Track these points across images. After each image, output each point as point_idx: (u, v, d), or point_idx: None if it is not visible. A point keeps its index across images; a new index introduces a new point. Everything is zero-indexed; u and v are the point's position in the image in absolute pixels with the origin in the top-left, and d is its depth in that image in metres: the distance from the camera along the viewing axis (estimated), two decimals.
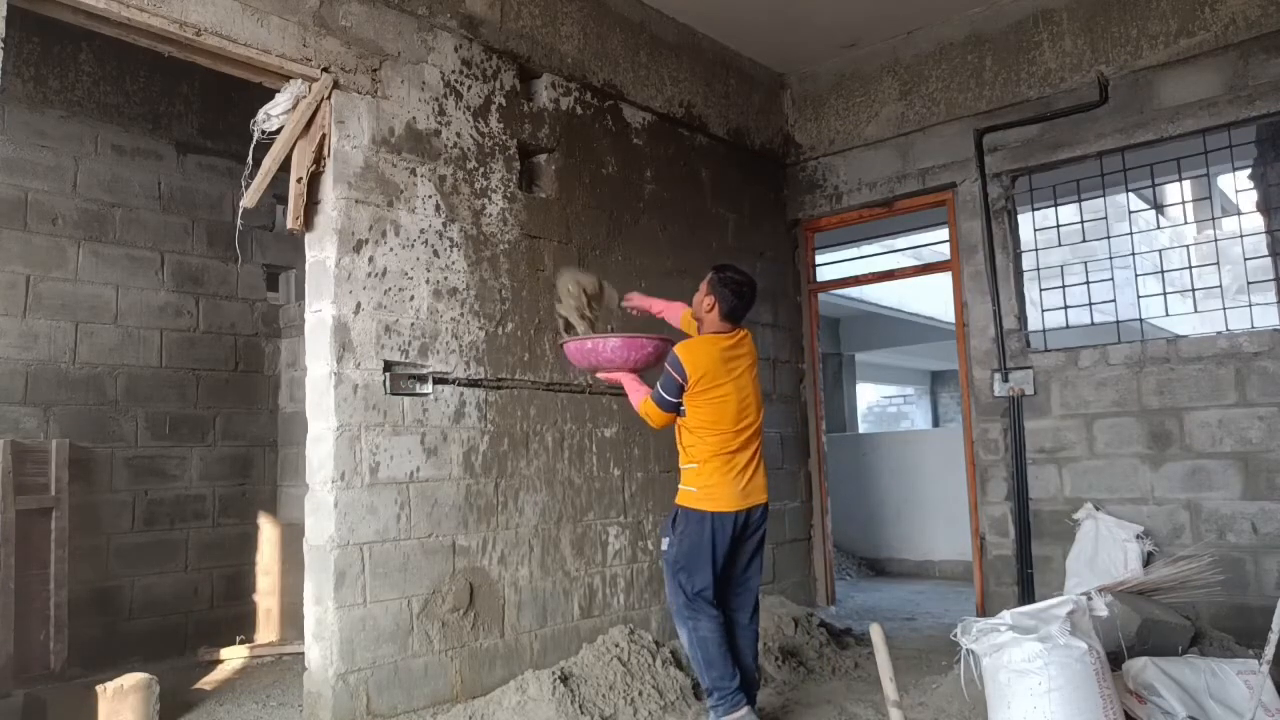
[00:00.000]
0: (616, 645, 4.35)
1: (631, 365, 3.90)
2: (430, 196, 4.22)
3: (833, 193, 6.45)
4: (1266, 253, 5.47)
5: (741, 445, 3.72)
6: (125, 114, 5.43)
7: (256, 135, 3.89)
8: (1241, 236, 5.24)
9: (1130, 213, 7.40)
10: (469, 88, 4.47)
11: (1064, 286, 5.44)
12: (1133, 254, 5.39)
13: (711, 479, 3.67)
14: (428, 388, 4.11)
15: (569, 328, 4.33)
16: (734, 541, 3.71)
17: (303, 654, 3.85)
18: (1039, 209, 6.09)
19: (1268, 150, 5.88)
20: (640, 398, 3.82)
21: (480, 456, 4.28)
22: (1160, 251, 5.47)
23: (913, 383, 21.38)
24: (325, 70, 3.87)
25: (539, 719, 3.78)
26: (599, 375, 4.04)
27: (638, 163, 5.41)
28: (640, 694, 4.07)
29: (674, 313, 4.19)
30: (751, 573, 3.84)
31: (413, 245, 4.12)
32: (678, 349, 3.69)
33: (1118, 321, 5.40)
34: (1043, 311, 5.64)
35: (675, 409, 3.70)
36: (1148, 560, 4.84)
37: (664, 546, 3.80)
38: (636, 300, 4.36)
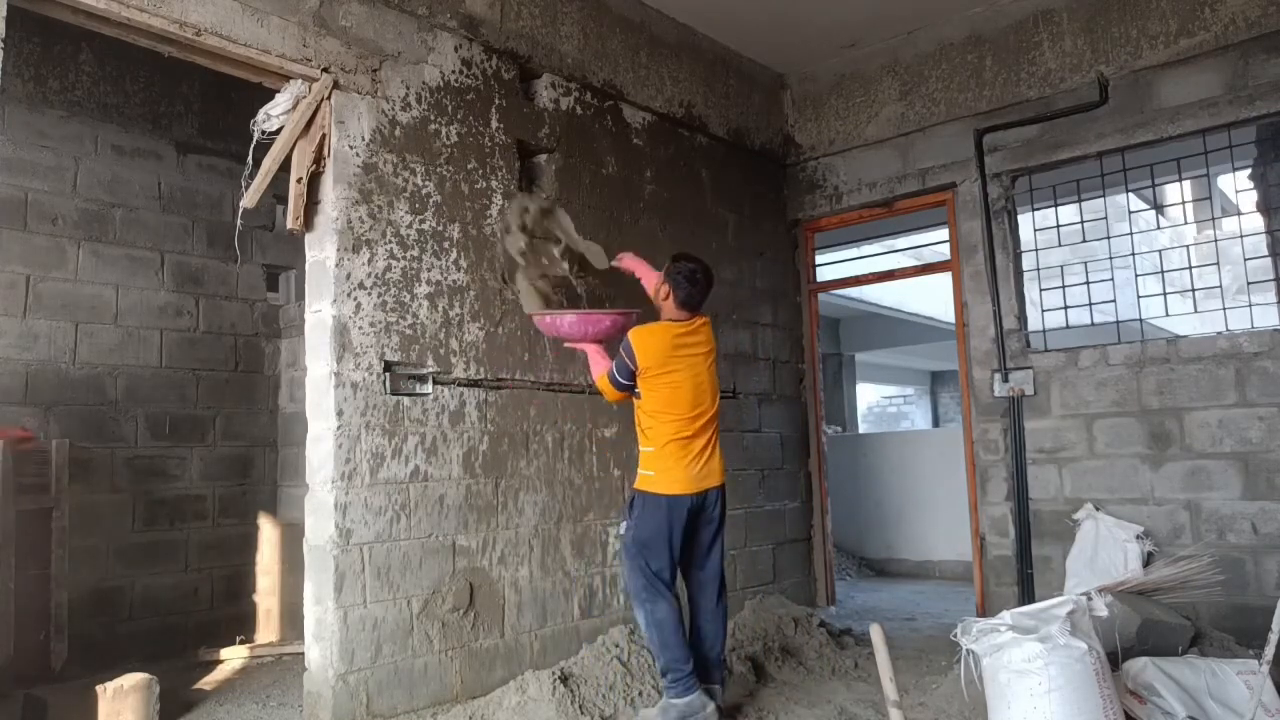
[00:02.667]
0: (616, 645, 4.35)
1: (593, 338, 4.11)
2: (430, 197, 4.22)
3: (833, 193, 6.45)
4: (1266, 253, 5.47)
5: (697, 431, 3.85)
6: (125, 114, 5.43)
7: (256, 135, 3.89)
8: (1241, 237, 5.24)
9: (1130, 213, 7.40)
10: (469, 88, 4.47)
11: (1064, 287, 5.44)
12: (1133, 254, 5.39)
13: (667, 462, 3.79)
14: (428, 388, 4.11)
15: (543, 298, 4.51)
16: (690, 524, 3.83)
17: (303, 654, 3.85)
18: (1039, 209, 6.09)
19: (1267, 150, 5.88)
20: (600, 370, 4.02)
21: (480, 457, 4.28)
22: (1160, 252, 5.47)
23: (913, 383, 21.40)
24: (325, 70, 3.87)
25: (539, 719, 3.78)
26: (565, 345, 4.31)
27: (638, 163, 5.41)
28: (640, 694, 4.07)
29: (649, 282, 4.26)
30: (713, 556, 3.97)
31: (413, 245, 4.12)
32: (631, 334, 3.84)
33: (1118, 322, 5.40)
34: (1043, 312, 5.64)
35: (629, 389, 3.88)
36: (1148, 560, 4.84)
37: (621, 530, 3.96)
38: (628, 261, 4.49)
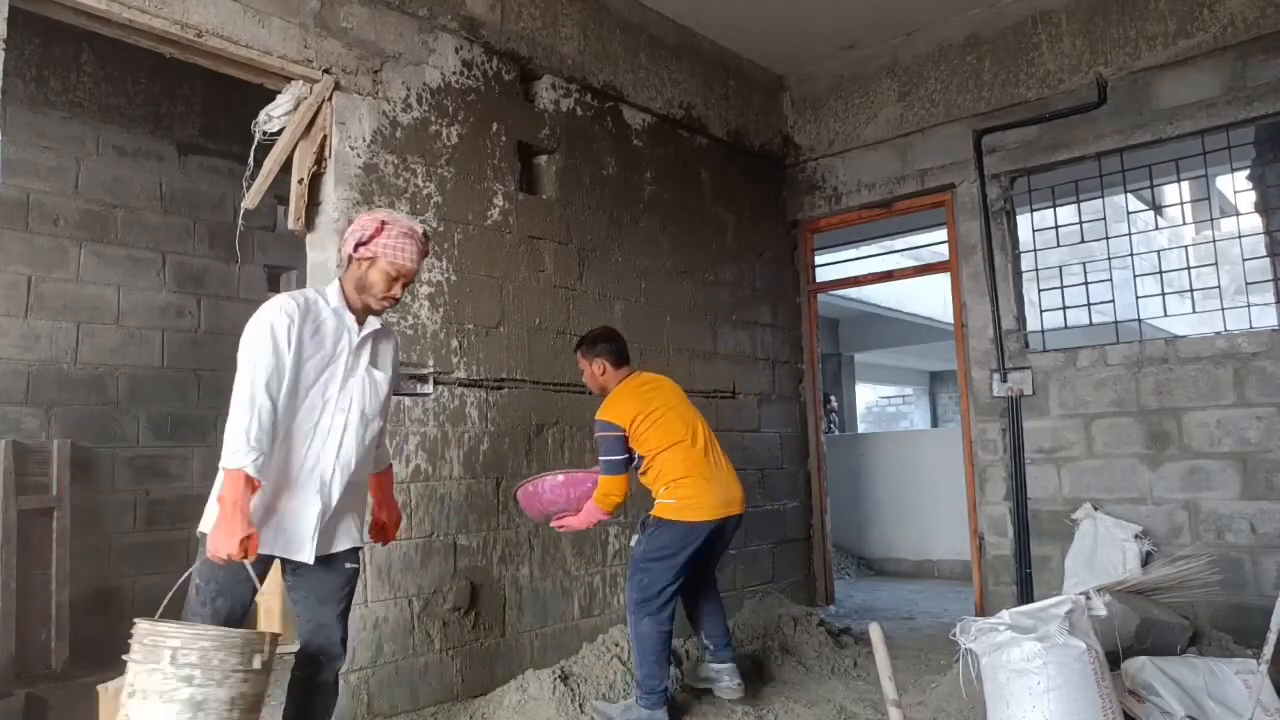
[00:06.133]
0: (616, 644, 4.36)
1: (576, 503, 3.85)
2: (431, 197, 4.23)
3: (832, 193, 6.47)
4: (1265, 253, 5.48)
5: (705, 449, 3.85)
6: (127, 115, 5.44)
7: (258, 136, 3.90)
8: (1240, 237, 5.25)
9: (1129, 213, 7.39)
10: (470, 89, 4.48)
11: (1062, 287, 5.45)
12: (1131, 254, 5.40)
13: (686, 490, 3.73)
14: (428, 388, 4.12)
15: None
16: (703, 550, 3.80)
17: None
18: (1038, 210, 6.10)
19: (1266, 151, 5.89)
20: (593, 504, 3.78)
21: (481, 456, 4.29)
22: (1159, 252, 5.48)
23: (912, 383, 21.39)
24: (326, 71, 3.89)
25: (539, 718, 3.79)
26: (553, 524, 3.94)
27: (638, 164, 5.42)
28: None
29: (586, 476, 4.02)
30: (711, 569, 4.05)
31: None
32: (597, 415, 3.81)
33: (1116, 322, 5.41)
34: (1041, 312, 5.65)
35: (627, 465, 3.77)
36: (1146, 560, 4.85)
37: (632, 543, 3.93)
38: (565, 523, 3.98)
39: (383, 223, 2.74)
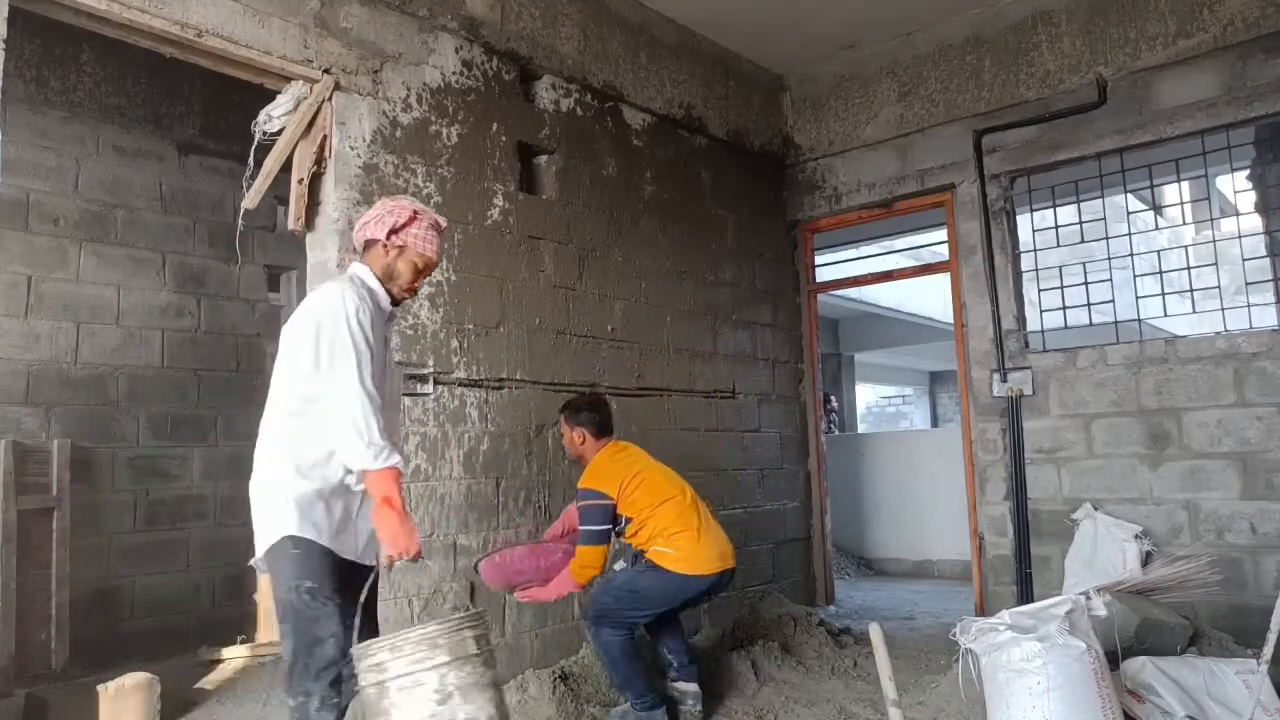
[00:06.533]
0: None
1: (544, 575, 3.78)
2: (431, 197, 4.23)
3: (832, 194, 6.47)
4: (1265, 253, 5.48)
5: (694, 503, 3.82)
6: (127, 115, 5.45)
7: (258, 136, 3.90)
8: (1240, 237, 5.25)
9: (1129, 213, 7.39)
10: (470, 89, 4.48)
11: (1062, 287, 5.45)
12: (1131, 255, 5.40)
13: (687, 543, 3.69)
14: (428, 388, 4.12)
15: None
16: (693, 600, 3.83)
17: None
18: (1038, 210, 6.10)
19: (1266, 151, 5.89)
20: (567, 574, 3.70)
21: (481, 456, 4.29)
22: (1159, 252, 5.48)
23: (912, 383, 21.39)
24: (326, 72, 3.89)
25: (539, 718, 3.79)
26: (517, 595, 3.86)
27: (638, 164, 5.42)
28: None
29: (565, 518, 4.05)
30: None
31: None
32: (580, 484, 3.77)
33: (1116, 322, 5.41)
34: (1041, 312, 5.65)
35: (609, 536, 3.71)
36: (1146, 560, 4.85)
37: (616, 567, 3.85)
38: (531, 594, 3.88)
39: (415, 212, 2.67)
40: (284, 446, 2.52)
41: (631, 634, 3.74)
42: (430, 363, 4.13)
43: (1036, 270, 5.62)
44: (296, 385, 2.52)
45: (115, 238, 5.38)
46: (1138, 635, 3.57)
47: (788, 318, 6.54)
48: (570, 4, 5.06)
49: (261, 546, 2.53)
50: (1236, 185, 5.90)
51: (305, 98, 3.84)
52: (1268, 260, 5.63)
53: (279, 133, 3.85)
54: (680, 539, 3.68)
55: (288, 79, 3.85)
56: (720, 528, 3.89)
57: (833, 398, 12.21)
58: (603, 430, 3.93)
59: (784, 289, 6.54)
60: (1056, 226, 5.52)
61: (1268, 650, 2.90)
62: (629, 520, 3.73)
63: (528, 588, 3.78)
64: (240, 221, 4.46)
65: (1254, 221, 5.93)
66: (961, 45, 5.86)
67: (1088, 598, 3.41)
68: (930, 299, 12.45)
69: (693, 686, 3.91)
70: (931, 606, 6.60)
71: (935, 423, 20.67)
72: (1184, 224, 11.26)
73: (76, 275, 5.21)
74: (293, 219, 3.88)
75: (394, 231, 2.66)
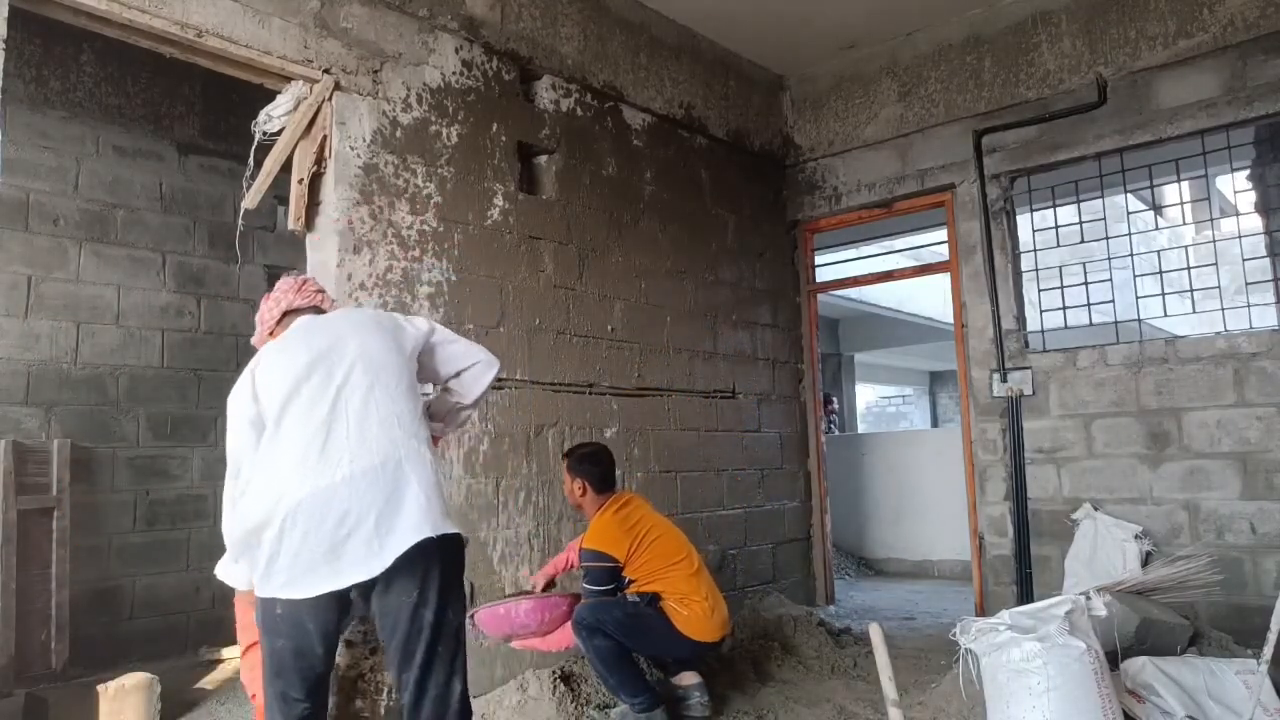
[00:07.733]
0: None
1: (548, 628, 3.78)
2: (431, 198, 4.23)
3: (832, 194, 6.47)
4: (1265, 253, 5.48)
5: (700, 569, 3.84)
6: (127, 115, 5.45)
7: (258, 136, 3.90)
8: (1240, 237, 5.24)
9: (1129, 213, 7.38)
10: (470, 89, 4.48)
11: (1062, 287, 5.45)
12: (1131, 255, 5.40)
13: (697, 610, 3.73)
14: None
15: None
16: (683, 659, 3.86)
17: None
18: (1038, 210, 6.10)
19: (1266, 151, 5.89)
20: (571, 631, 3.69)
21: (481, 456, 4.29)
22: (1159, 252, 5.48)
23: (911, 383, 21.39)
24: (326, 72, 3.89)
25: (539, 718, 3.79)
26: (514, 644, 3.88)
27: (638, 164, 5.42)
28: None
29: (569, 552, 4.10)
30: None
31: (413, 246, 4.13)
32: (586, 543, 3.76)
33: (1116, 322, 5.41)
34: (1041, 312, 5.65)
35: (613, 595, 3.73)
36: (1146, 560, 4.85)
37: (630, 595, 3.81)
38: (539, 578, 4.11)
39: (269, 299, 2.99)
40: (423, 430, 2.63)
41: (607, 641, 3.71)
42: None
43: (1036, 270, 5.62)
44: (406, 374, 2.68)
45: (115, 238, 5.38)
46: (1138, 635, 3.57)
47: (787, 318, 6.54)
48: (570, 4, 5.06)
49: (433, 528, 2.45)
50: (1236, 185, 5.90)
51: (305, 98, 3.84)
52: (1268, 260, 5.63)
53: (279, 133, 3.86)
54: (693, 603, 3.73)
55: (288, 79, 3.85)
56: (719, 592, 3.92)
57: (833, 398, 12.21)
58: (605, 484, 3.91)
59: (784, 289, 6.54)
60: (1056, 226, 5.52)
61: (1268, 650, 2.90)
62: (633, 580, 3.78)
63: (527, 638, 3.81)
64: (240, 221, 4.46)
65: (1254, 221, 5.93)
66: (961, 45, 5.87)
67: (1088, 598, 3.40)
68: (930, 299, 12.45)
69: (696, 678, 3.91)
70: (931, 606, 6.60)
71: (935, 423, 20.67)
72: (1184, 224, 11.26)
73: (76, 275, 5.21)
74: (293, 219, 3.88)
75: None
